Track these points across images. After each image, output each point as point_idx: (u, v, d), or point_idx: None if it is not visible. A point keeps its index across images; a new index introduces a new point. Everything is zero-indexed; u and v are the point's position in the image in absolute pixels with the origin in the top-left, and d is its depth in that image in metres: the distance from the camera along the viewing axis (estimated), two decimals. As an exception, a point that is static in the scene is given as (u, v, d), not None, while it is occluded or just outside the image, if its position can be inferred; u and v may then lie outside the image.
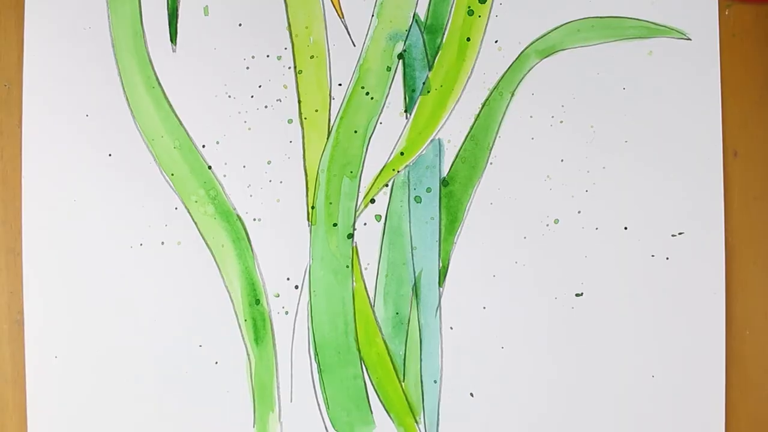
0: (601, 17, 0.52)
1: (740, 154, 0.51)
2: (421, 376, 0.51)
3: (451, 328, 0.51)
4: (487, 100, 0.52)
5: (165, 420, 0.51)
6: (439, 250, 0.51)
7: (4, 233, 0.52)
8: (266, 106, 0.52)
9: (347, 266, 0.51)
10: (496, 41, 0.52)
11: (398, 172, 0.52)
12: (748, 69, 0.52)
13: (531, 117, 0.51)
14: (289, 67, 0.52)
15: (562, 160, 0.51)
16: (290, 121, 0.52)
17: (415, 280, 0.51)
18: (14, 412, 0.52)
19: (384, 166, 0.52)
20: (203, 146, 0.52)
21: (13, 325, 0.52)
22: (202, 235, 0.51)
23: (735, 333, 0.51)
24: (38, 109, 0.52)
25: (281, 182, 0.52)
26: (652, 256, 0.51)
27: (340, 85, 0.52)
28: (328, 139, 0.52)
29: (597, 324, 0.51)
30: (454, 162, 0.52)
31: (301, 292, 0.51)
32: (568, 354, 0.51)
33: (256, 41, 0.52)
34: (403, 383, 0.51)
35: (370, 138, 0.52)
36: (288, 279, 0.51)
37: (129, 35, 0.52)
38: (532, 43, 0.52)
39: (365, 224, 0.52)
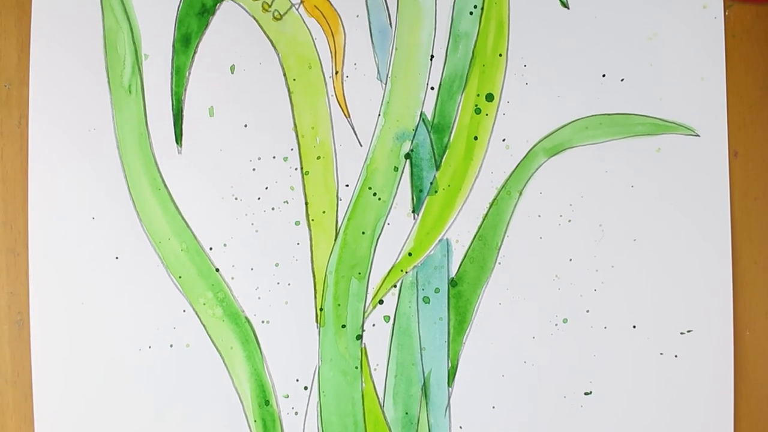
0: (608, 114, 0.52)
1: (740, 154, 0.51)
2: (431, 475, 0.51)
3: (461, 427, 0.51)
4: (495, 199, 0.52)
5: None
6: (448, 350, 0.51)
7: (4, 233, 0.52)
8: (273, 208, 0.52)
9: (356, 367, 0.51)
10: (503, 140, 0.52)
11: (406, 272, 0.52)
12: (748, 69, 0.52)
13: (539, 216, 0.51)
14: (296, 168, 0.52)
15: (570, 260, 0.51)
16: (297, 223, 0.52)
17: (424, 381, 0.51)
18: (14, 412, 0.52)
19: (392, 267, 0.52)
20: (210, 249, 0.52)
21: (13, 325, 0.52)
22: (210, 337, 0.51)
23: (735, 333, 0.51)
24: (44, 212, 0.51)
25: (289, 284, 0.51)
26: (661, 354, 0.51)
27: (347, 185, 0.52)
28: (335, 240, 0.52)
29: (606, 423, 0.51)
30: (462, 262, 0.51)
31: (310, 392, 0.51)
32: (577, 452, 0.51)
33: (262, 142, 0.52)
34: (413, 482, 0.52)
35: (377, 239, 0.52)
36: (297, 380, 0.51)
37: (134, 136, 0.52)
38: (539, 141, 0.52)
39: (374, 325, 0.52)
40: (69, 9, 0.52)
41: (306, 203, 0.52)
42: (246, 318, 0.52)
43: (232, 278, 0.52)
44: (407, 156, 0.52)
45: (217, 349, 0.51)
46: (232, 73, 0.52)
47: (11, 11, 0.52)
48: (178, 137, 0.52)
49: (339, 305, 0.51)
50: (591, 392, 0.51)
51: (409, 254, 0.52)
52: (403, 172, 0.52)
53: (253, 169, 0.52)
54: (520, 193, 0.51)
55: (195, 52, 0.52)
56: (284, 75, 0.52)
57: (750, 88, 0.51)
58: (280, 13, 0.52)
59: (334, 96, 0.52)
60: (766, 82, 0.51)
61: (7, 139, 0.52)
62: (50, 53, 0.52)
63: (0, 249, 0.52)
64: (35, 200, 0.51)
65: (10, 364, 0.52)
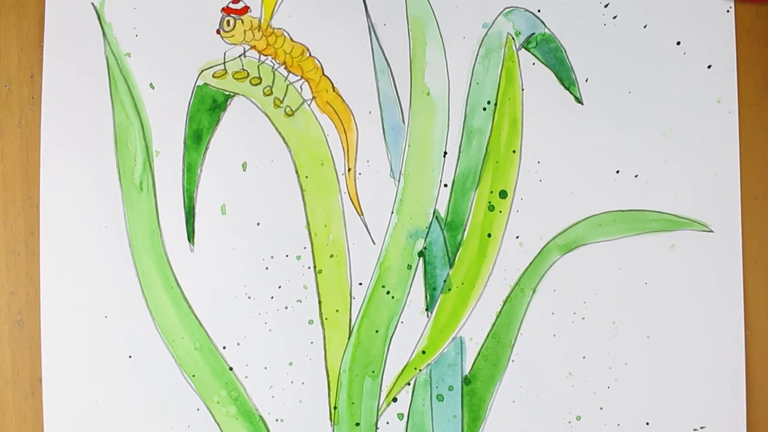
0: (623, 211, 0.51)
1: (740, 154, 0.51)
2: None
3: None
4: (508, 297, 0.51)
5: None
6: (462, 447, 0.52)
7: (4, 233, 0.52)
8: (286, 307, 0.51)
9: (370, 464, 0.52)
10: (517, 237, 0.52)
11: (420, 370, 0.52)
12: (748, 69, 0.51)
13: (553, 314, 0.51)
14: (309, 267, 0.51)
15: (584, 357, 0.51)
16: (311, 322, 0.51)
17: (438, 477, 0.52)
18: (14, 412, 0.52)
19: (406, 365, 0.52)
20: (224, 347, 0.52)
21: (13, 325, 0.52)
22: (224, 435, 0.52)
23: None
24: (56, 311, 0.51)
25: (303, 383, 0.51)
26: (674, 450, 0.51)
27: (360, 284, 0.52)
28: (349, 339, 0.51)
29: None
30: (476, 360, 0.51)
31: (324, 489, 0.52)
32: None
33: (274, 241, 0.51)
34: None
35: (391, 337, 0.52)
36: (311, 477, 0.52)
37: (146, 234, 0.52)
38: (553, 239, 0.51)
39: (388, 423, 0.52)
40: (79, 105, 0.52)
41: (319, 302, 0.51)
42: (260, 416, 0.52)
43: (246, 377, 0.52)
44: (420, 254, 0.52)
45: (232, 446, 0.52)
46: (244, 170, 0.52)
47: (11, 11, 0.52)
48: (191, 235, 0.52)
49: (353, 403, 0.51)
50: (604, 488, 0.51)
51: (423, 352, 0.52)
52: (416, 269, 0.52)
53: (266, 268, 0.51)
54: (534, 291, 0.51)
55: (206, 149, 0.52)
56: (296, 172, 0.52)
57: (750, 87, 0.51)
58: (291, 109, 0.52)
59: (347, 193, 0.52)
60: (765, 82, 0.51)
61: (7, 139, 0.52)
62: (60, 150, 0.51)
63: (0, 249, 0.52)
64: (47, 300, 0.51)
65: (10, 364, 0.52)
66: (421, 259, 0.52)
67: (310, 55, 0.52)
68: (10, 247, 0.52)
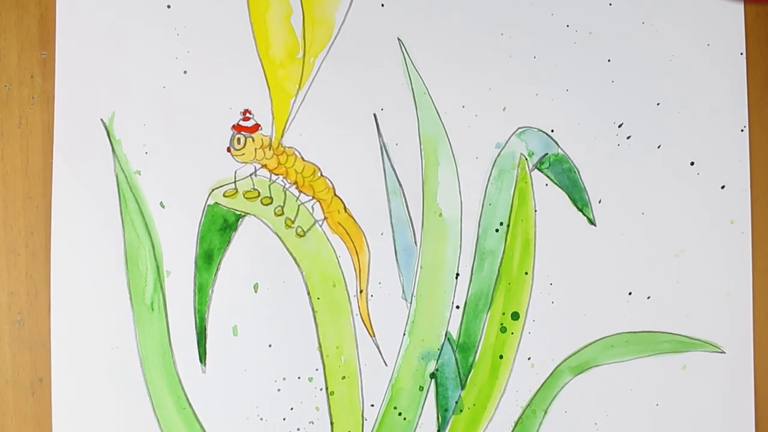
0: (634, 332, 0.51)
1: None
2: None
3: None
4: (520, 418, 0.52)
5: None
6: None
7: (4, 233, 0.52)
8: (299, 429, 0.51)
9: None
10: (529, 358, 0.52)
11: (432, 490, 0.52)
12: (748, 69, 0.52)
13: (564, 435, 0.52)
14: (321, 389, 0.51)
15: (595, 478, 0.51)
16: (323, 443, 0.52)
17: None
18: (14, 412, 0.52)
19: (417, 486, 0.52)
20: (236, 468, 0.52)
21: (13, 325, 0.52)
22: None
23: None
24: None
25: (315, 503, 0.52)
26: None
27: (372, 405, 0.52)
28: (361, 460, 0.52)
29: None
30: (487, 480, 0.52)
31: None
32: None
33: (286, 362, 0.51)
34: None
35: (403, 458, 0.52)
36: None
37: (157, 355, 0.51)
38: (565, 360, 0.51)
39: None
40: (89, 223, 0.51)
41: (331, 423, 0.52)
42: None
43: (258, 497, 0.52)
44: (432, 375, 0.52)
45: None
46: (256, 291, 0.51)
47: (11, 11, 0.52)
48: (202, 356, 0.52)
49: None
50: None
51: (435, 473, 0.52)
52: (428, 391, 0.52)
53: (278, 390, 0.51)
54: (545, 412, 0.51)
55: (218, 269, 0.51)
56: (308, 293, 0.51)
57: (750, 88, 0.52)
58: (303, 230, 0.52)
59: (359, 315, 0.52)
60: (766, 82, 0.51)
61: (7, 139, 0.52)
62: (70, 270, 0.51)
63: (0, 249, 0.52)
64: (59, 424, 0.51)
65: (11, 364, 0.52)
66: (433, 380, 0.52)
67: (321, 174, 0.51)
68: (10, 247, 0.52)
